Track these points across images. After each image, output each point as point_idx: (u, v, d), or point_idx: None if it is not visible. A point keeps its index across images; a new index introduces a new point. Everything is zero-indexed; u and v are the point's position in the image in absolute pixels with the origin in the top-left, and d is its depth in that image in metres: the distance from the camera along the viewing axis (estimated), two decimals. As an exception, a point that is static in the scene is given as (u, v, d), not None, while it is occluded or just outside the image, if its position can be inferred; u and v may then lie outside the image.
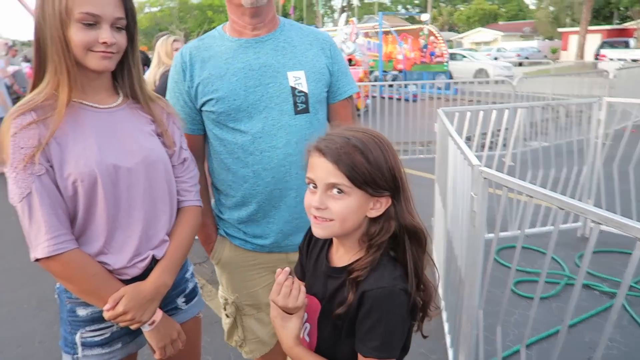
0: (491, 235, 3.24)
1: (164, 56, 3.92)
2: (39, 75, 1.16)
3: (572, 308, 1.54)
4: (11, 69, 8.96)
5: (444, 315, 2.78)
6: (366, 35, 15.58)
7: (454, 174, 2.56)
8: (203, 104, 1.48)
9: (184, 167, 1.37)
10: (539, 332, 2.66)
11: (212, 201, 1.71)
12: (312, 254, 1.19)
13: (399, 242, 1.03)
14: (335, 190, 0.98)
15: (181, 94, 1.50)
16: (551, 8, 41.36)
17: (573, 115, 7.57)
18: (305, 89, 1.47)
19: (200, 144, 1.59)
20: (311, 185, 1.03)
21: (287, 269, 1.07)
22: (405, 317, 0.99)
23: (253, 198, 1.51)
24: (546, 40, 42.42)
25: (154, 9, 42.75)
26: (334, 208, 0.99)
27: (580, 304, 2.84)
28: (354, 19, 13.11)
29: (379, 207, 1.01)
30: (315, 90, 1.49)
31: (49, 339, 2.72)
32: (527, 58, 24.83)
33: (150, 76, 3.82)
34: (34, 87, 1.17)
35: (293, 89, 1.45)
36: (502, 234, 3.80)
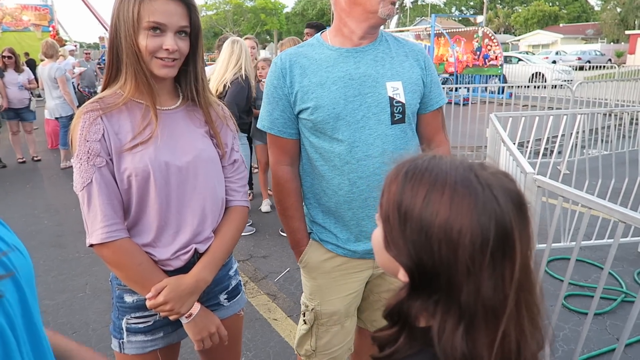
0: (542, 245, 3.10)
1: (244, 60, 3.68)
2: (110, 76, 1.24)
3: (631, 326, 1.45)
4: (78, 70, 9.55)
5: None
6: (417, 37, 15.34)
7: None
8: (300, 111, 1.49)
9: (234, 168, 1.41)
10: (591, 349, 2.52)
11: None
12: None
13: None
14: None
15: (280, 98, 1.51)
16: (618, 9, 39.17)
17: (639, 122, 7.13)
18: (402, 100, 1.48)
19: (297, 148, 1.59)
20: None
21: None
22: None
23: (347, 205, 1.51)
24: (611, 43, 40.18)
25: (210, 12, 44.13)
26: None
27: (637, 322, 2.66)
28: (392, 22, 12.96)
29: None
30: (412, 101, 1.50)
31: (101, 327, 2.86)
32: (589, 62, 23.55)
33: (220, 79, 3.67)
34: (106, 87, 1.25)
35: (391, 99, 1.46)
36: (554, 245, 3.62)
